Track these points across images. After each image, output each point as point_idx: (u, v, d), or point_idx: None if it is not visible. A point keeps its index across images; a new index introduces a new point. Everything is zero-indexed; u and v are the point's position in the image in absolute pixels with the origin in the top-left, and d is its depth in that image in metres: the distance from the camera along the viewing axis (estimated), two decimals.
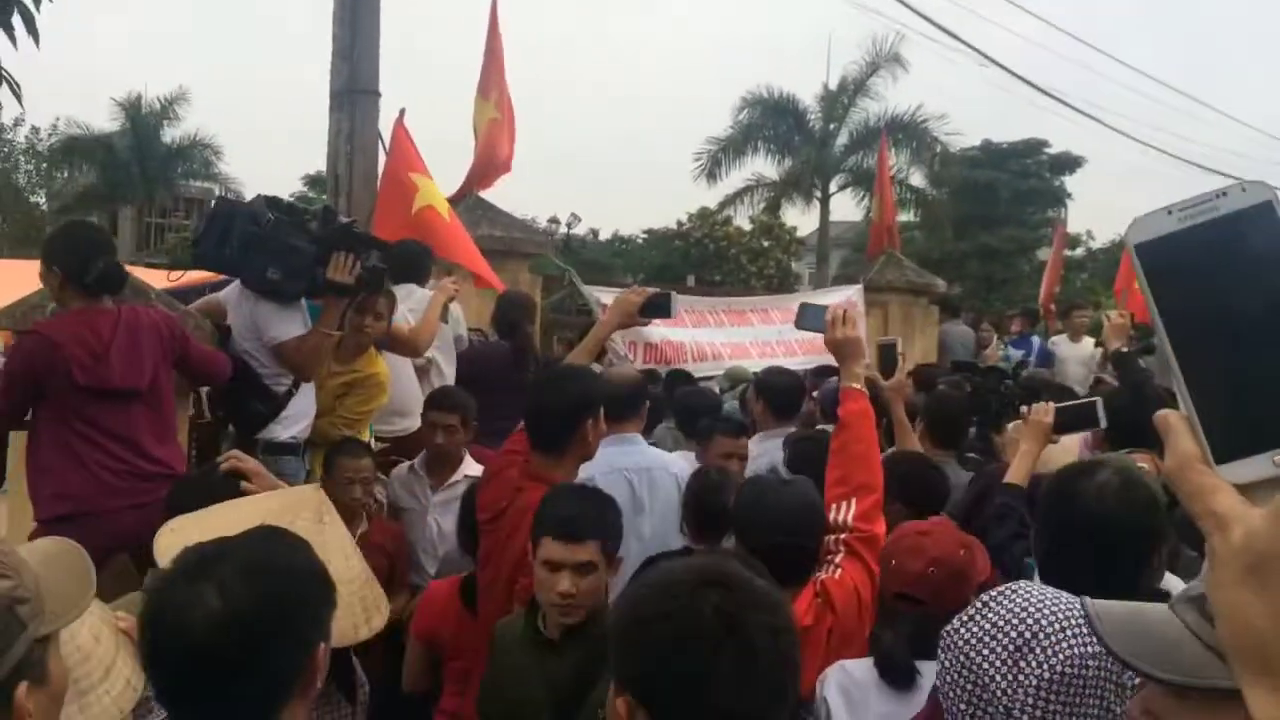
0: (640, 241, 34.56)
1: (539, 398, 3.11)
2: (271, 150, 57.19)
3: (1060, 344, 9.78)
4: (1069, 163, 32.62)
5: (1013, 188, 31.37)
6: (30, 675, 1.28)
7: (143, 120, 27.98)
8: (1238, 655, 0.63)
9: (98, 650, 1.79)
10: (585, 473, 3.79)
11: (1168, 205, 0.69)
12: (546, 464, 3.04)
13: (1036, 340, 10.80)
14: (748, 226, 28.59)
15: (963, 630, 1.63)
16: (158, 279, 4.79)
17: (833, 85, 27.64)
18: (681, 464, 4.07)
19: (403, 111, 6.20)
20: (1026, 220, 31.94)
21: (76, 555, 1.48)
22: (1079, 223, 33.11)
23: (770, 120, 28.08)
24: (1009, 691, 1.54)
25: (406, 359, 5.04)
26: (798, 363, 8.24)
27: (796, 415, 4.76)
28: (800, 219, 29.43)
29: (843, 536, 2.59)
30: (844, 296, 9.57)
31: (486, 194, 7.43)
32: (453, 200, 6.71)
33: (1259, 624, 0.60)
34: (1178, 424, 0.67)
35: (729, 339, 8.35)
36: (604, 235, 36.10)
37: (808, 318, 3.09)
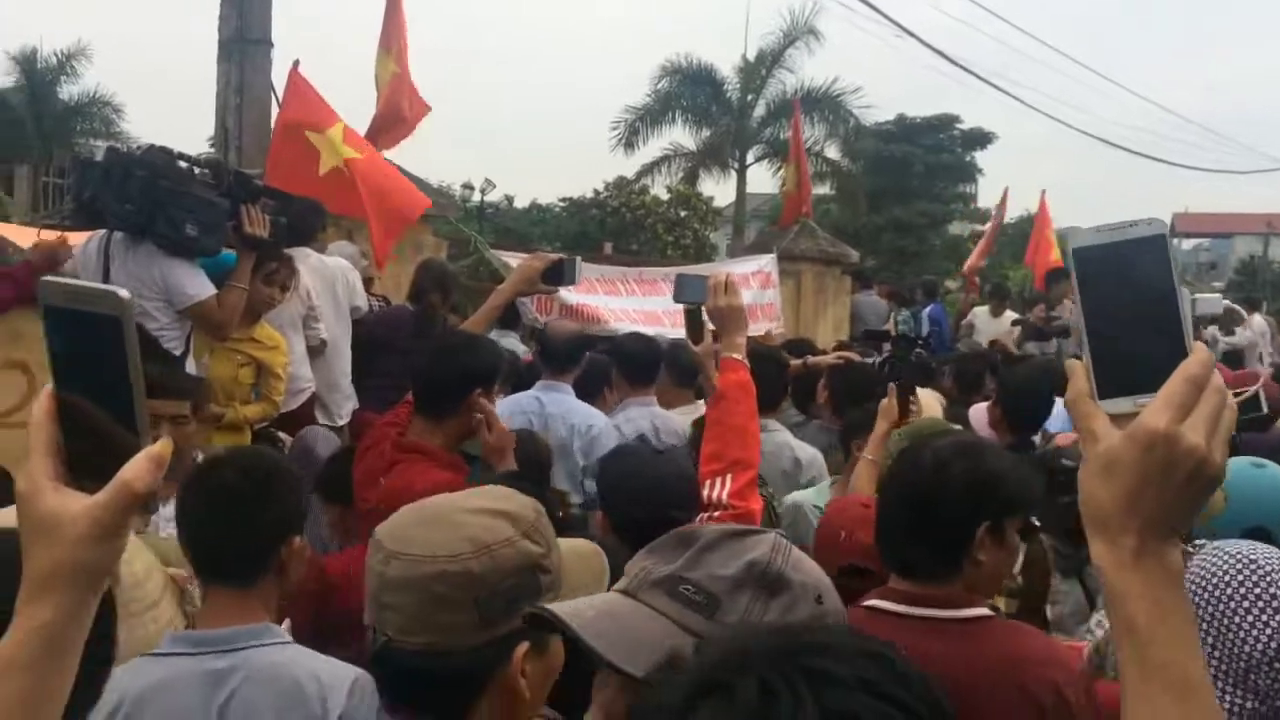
0: (558, 210, 34.25)
1: (430, 363, 3.02)
2: (175, 108, 55.15)
3: (979, 315, 9.91)
4: (980, 138, 33.17)
5: (925, 162, 31.79)
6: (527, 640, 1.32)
7: (38, 75, 26.71)
8: (1089, 521, 0.95)
9: (148, 584, 1.98)
10: (503, 409, 3.97)
11: (1097, 225, 0.98)
12: (425, 429, 2.96)
13: (931, 308, 10.94)
14: (665, 196, 28.49)
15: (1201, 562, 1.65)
16: (25, 237, 4.45)
17: (751, 56, 27.66)
18: (598, 420, 4.29)
19: (297, 63, 5.92)
20: (939, 194, 32.43)
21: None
22: (988, 198, 33.74)
23: (688, 90, 28.01)
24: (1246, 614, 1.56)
25: (299, 333, 4.85)
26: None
27: (653, 383, 4.70)
28: (717, 189, 29.51)
29: (716, 514, 2.43)
30: (758, 266, 9.53)
31: (391, 154, 7.14)
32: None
33: (1102, 502, 0.93)
34: (1079, 369, 0.97)
35: (640, 307, 8.22)
36: (520, 203, 35.70)
37: (687, 290, 2.88)
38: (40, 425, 0.93)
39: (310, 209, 5.35)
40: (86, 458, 0.93)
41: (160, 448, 0.93)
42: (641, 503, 2.42)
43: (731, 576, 1.12)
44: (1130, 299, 0.96)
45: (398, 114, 6.94)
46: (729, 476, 2.45)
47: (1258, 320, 11.93)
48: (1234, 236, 50.63)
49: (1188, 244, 54.91)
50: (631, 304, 8.13)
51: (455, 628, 1.27)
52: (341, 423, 5.17)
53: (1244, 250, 46.00)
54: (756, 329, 8.71)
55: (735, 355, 2.63)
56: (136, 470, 0.91)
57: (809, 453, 4.08)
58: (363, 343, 5.22)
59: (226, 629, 1.88)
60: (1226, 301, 10.77)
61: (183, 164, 4.23)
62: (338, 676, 1.84)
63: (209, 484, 2.04)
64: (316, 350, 5.01)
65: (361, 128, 6.34)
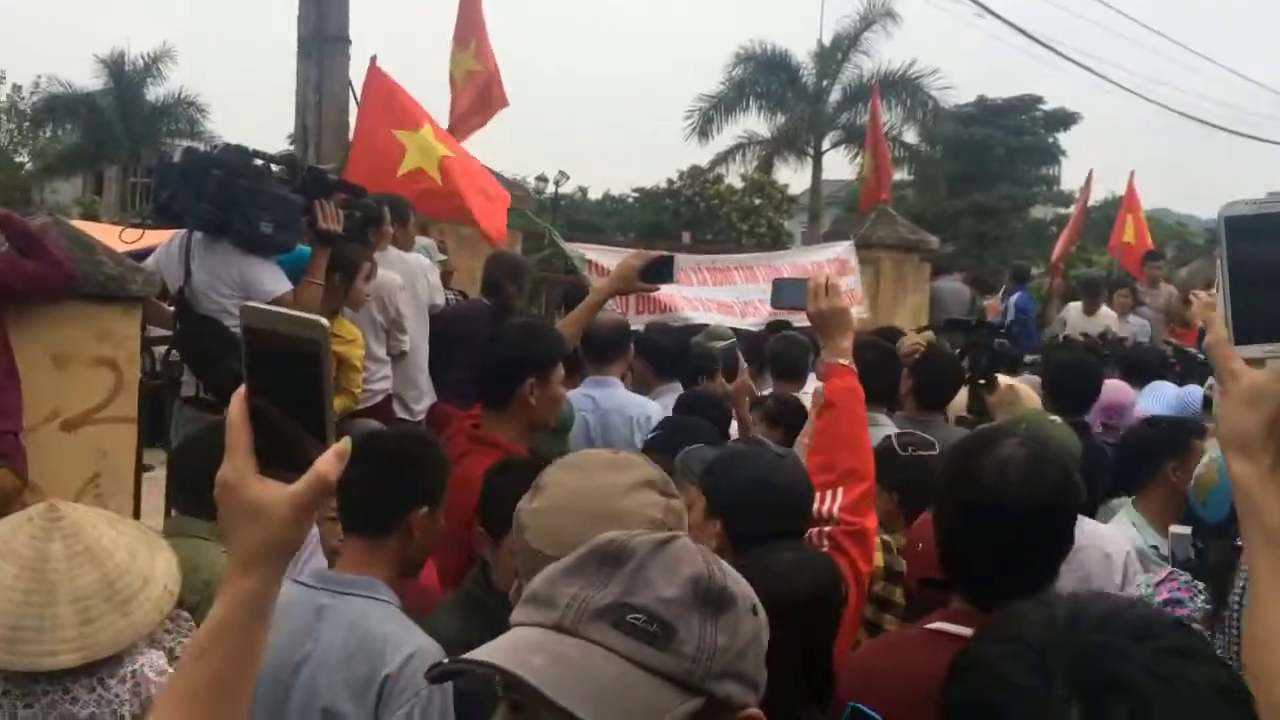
0: (631, 201, 34.24)
1: (484, 353, 3.10)
2: (256, 106, 56.43)
3: (1072, 311, 9.63)
4: (1063, 119, 32.28)
5: (1006, 145, 31.04)
6: None
7: (126, 78, 27.61)
8: (1231, 444, 1.16)
9: (135, 564, 2.18)
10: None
11: (1247, 199, 1.17)
12: (493, 421, 3.01)
13: (1017, 296, 10.65)
14: (739, 185, 28.29)
15: None
16: (110, 236, 4.56)
17: (826, 41, 27.29)
18: (651, 408, 4.25)
19: (374, 58, 5.96)
20: (1020, 178, 31.68)
21: None
22: (1071, 180, 32.83)
23: (763, 77, 27.75)
24: None
25: (378, 341, 4.93)
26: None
27: (678, 375, 4.69)
28: (793, 177, 29.22)
29: (828, 529, 2.27)
30: (835, 253, 9.38)
31: (466, 145, 7.17)
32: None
33: (1246, 427, 1.14)
34: (1217, 319, 1.18)
35: (714, 296, 8.14)
36: (594, 194, 35.78)
37: (785, 294, 2.76)
38: (237, 425, 1.09)
39: (386, 203, 5.43)
40: (271, 453, 1.09)
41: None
42: (768, 515, 2.18)
43: (679, 599, 0.96)
44: (1269, 261, 1.16)
45: (477, 108, 6.96)
46: (840, 490, 2.31)
47: None
48: None
49: None
50: (705, 293, 8.05)
51: None
52: (419, 417, 5.21)
53: None
54: None
55: (842, 360, 2.49)
56: (328, 463, 1.07)
57: None
58: (439, 337, 5.24)
59: (345, 574, 2.12)
60: None
61: (258, 161, 4.27)
62: (404, 642, 1.99)
63: (364, 445, 2.22)
64: (397, 359, 5.07)
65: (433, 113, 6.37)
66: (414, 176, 5.86)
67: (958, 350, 4.63)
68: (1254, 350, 1.16)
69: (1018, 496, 1.77)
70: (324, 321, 1.08)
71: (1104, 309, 9.51)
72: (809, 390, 4.11)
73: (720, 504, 2.20)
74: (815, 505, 2.26)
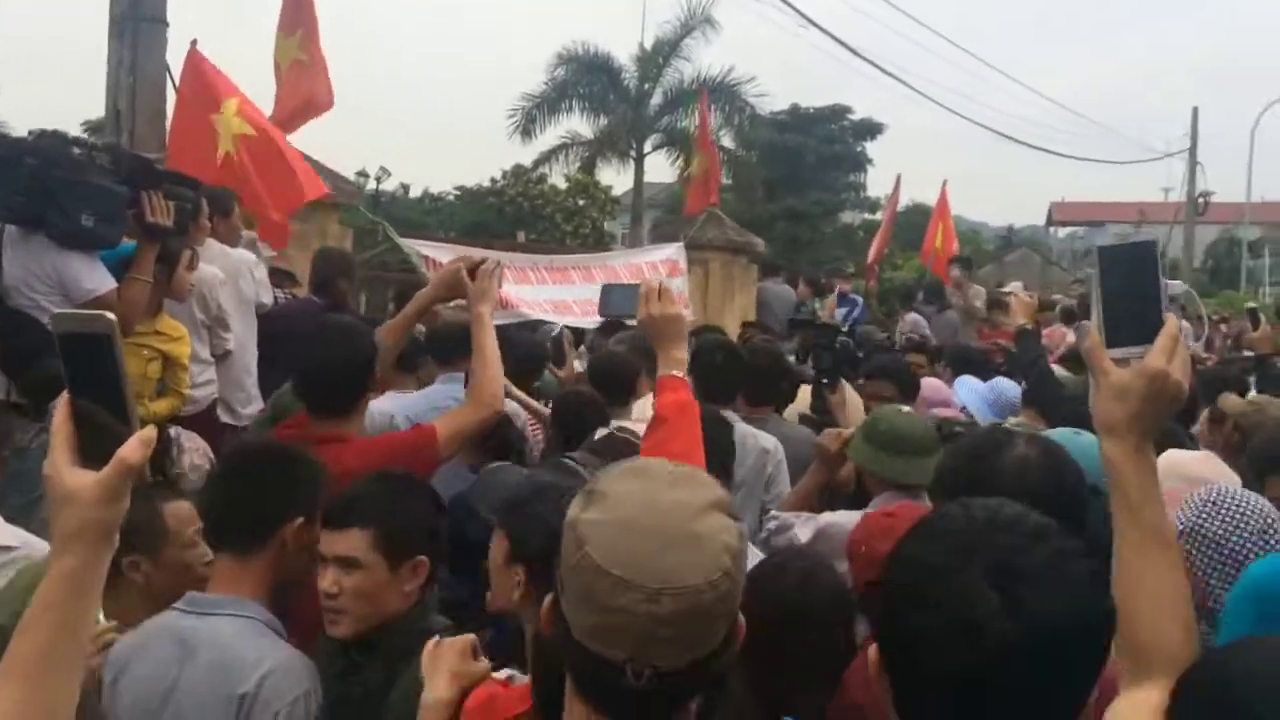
0: (453, 199, 33.69)
1: (325, 354, 2.83)
2: (48, 90, 52.48)
3: (928, 311, 10.05)
4: (870, 128, 33.89)
5: (818, 152, 32.33)
6: None
7: None
8: (1104, 429, 1.43)
9: None
10: (394, 406, 3.88)
11: (1116, 235, 1.82)
12: (334, 425, 2.81)
13: (859, 299, 11.09)
14: (563, 185, 28.28)
15: (1209, 524, 2.07)
16: None
17: (648, 45, 27.61)
18: (511, 407, 4.01)
19: (195, 42, 5.63)
20: (831, 184, 33.04)
21: None
22: (877, 187, 34.51)
23: (585, 78, 27.79)
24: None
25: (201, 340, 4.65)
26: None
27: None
28: (615, 179, 29.39)
29: None
30: (666, 254, 9.49)
31: (292, 138, 6.86)
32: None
33: (1116, 416, 1.41)
34: (1092, 328, 1.45)
35: (551, 296, 8.09)
36: (414, 192, 35.02)
37: (614, 301, 2.62)
38: (60, 426, 1.25)
39: (227, 194, 5.14)
40: (95, 447, 1.22)
41: (147, 432, 1.24)
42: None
43: None
44: (1131, 281, 1.45)
45: (302, 102, 6.67)
46: None
47: None
48: (1106, 224, 52.79)
49: (1063, 232, 57.10)
50: (544, 292, 7.99)
51: (718, 634, 1.20)
52: (246, 423, 4.95)
53: (1115, 239, 47.91)
54: None
55: (675, 372, 2.26)
56: (130, 448, 1.22)
57: (771, 440, 3.89)
58: (266, 339, 5.00)
59: (214, 595, 2.08)
60: (1186, 286, 11.41)
61: (77, 150, 3.97)
62: (262, 659, 1.95)
63: (228, 458, 2.30)
64: (221, 359, 4.80)
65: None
66: (229, 162, 5.56)
67: (803, 351, 4.76)
68: (1120, 352, 1.43)
69: (1042, 488, 1.88)
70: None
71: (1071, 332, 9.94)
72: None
73: (524, 550, 1.93)
74: None
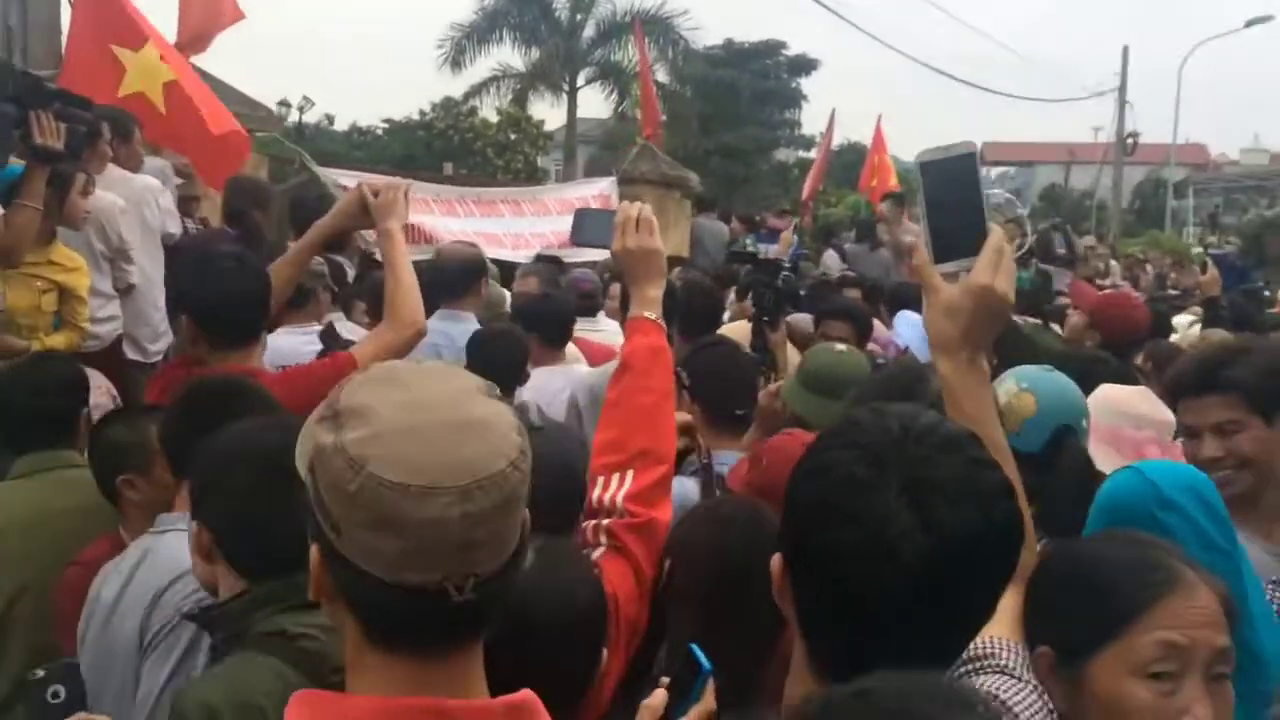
0: (380, 132, 32.84)
1: (230, 287, 2.66)
2: None
3: (859, 250, 9.98)
4: (805, 65, 33.61)
5: (753, 88, 32.00)
6: None
7: None
8: (937, 346, 1.44)
9: None
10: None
11: (932, 146, 1.47)
12: (238, 359, 2.64)
13: (793, 237, 10.99)
14: (494, 119, 27.70)
15: None
16: None
17: None
18: None
19: None
20: (766, 120, 32.77)
21: None
22: (812, 125, 34.34)
23: (516, 7, 27.20)
24: None
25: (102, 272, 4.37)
26: (552, 256, 7.92)
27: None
28: (548, 113, 28.90)
29: (606, 522, 1.85)
30: (599, 189, 9.30)
31: (200, 61, 6.49)
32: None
33: (947, 332, 1.42)
34: (919, 245, 1.45)
35: (480, 229, 7.86)
36: (340, 124, 34.05)
37: (588, 228, 2.32)
38: None
39: (127, 116, 4.84)
40: None
41: None
42: None
43: None
44: (953, 195, 1.43)
45: (209, 15, 6.30)
46: (630, 473, 1.87)
47: None
48: (1036, 165, 53.46)
49: (995, 171, 57.72)
50: (470, 225, 7.77)
51: (519, 526, 1.10)
52: (155, 359, 4.70)
53: (1046, 179, 48.64)
54: (600, 253, 8.50)
55: (648, 313, 2.03)
56: None
57: None
58: (196, 266, 4.73)
59: (174, 514, 2.14)
60: (1007, 194, 11.59)
61: None
62: (183, 563, 1.94)
63: (184, 391, 2.26)
64: (125, 292, 4.53)
65: (160, 26, 5.70)
66: (135, 100, 5.25)
67: (744, 287, 4.63)
68: (950, 267, 1.42)
69: None
70: None
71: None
72: None
73: None
74: (595, 492, 1.88)
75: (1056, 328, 5.31)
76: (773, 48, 33.16)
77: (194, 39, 6.24)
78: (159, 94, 5.33)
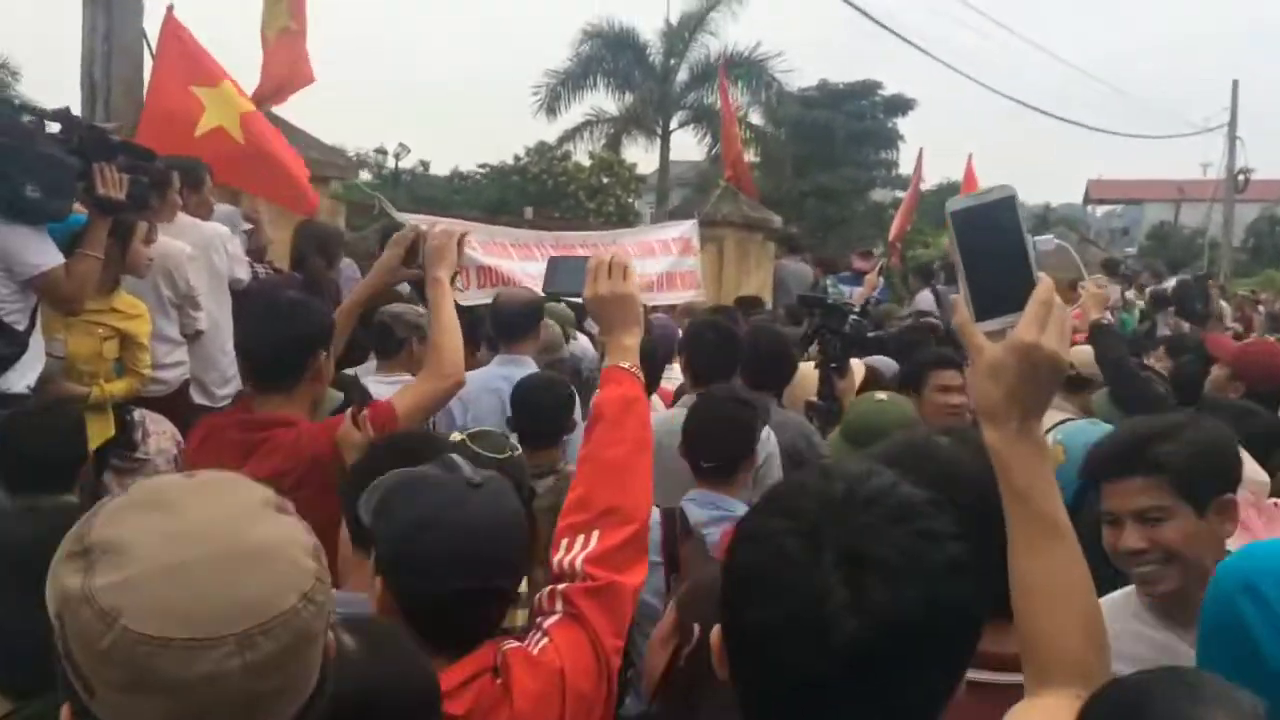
0: (479, 178, 33.50)
1: (266, 330, 2.64)
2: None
3: (950, 293, 9.70)
4: (901, 104, 33.17)
5: (848, 129, 31.66)
6: None
7: None
8: (983, 412, 1.29)
9: None
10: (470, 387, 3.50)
11: (967, 194, 1.37)
12: (278, 404, 2.61)
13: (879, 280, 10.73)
14: (587, 162, 27.99)
15: None
16: None
17: (674, 20, 27.23)
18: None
19: (170, 8, 5.42)
20: (862, 161, 32.38)
21: None
22: (910, 164, 33.83)
23: (610, 54, 27.52)
24: None
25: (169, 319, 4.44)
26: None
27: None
28: (641, 156, 29.07)
29: (562, 587, 1.70)
30: (680, 232, 9.21)
31: (281, 111, 6.63)
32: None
33: (992, 397, 1.26)
34: (960, 302, 1.30)
35: None
36: (437, 169, 34.86)
37: (560, 278, 2.22)
38: None
39: (195, 165, 4.94)
40: None
41: None
42: (438, 572, 1.56)
43: None
44: (992, 245, 1.29)
45: (287, 73, 6.44)
46: (595, 533, 1.73)
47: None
48: (1144, 204, 51.73)
49: (1101, 210, 55.97)
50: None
51: (316, 663, 0.96)
52: (223, 404, 4.74)
53: (1155, 217, 46.98)
54: (678, 297, 8.41)
55: (624, 363, 1.94)
56: None
57: (763, 429, 3.45)
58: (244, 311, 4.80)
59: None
60: (1059, 241, 11.05)
61: (28, 118, 3.78)
62: None
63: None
64: (193, 338, 4.59)
65: (245, 85, 5.86)
66: (214, 136, 5.41)
67: (810, 333, 4.45)
68: (993, 324, 1.28)
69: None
70: None
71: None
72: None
73: (382, 556, 1.60)
74: (558, 556, 1.74)
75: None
76: (868, 88, 32.82)
77: (275, 92, 6.38)
78: (237, 125, 5.46)
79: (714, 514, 2.97)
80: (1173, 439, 1.91)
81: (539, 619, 1.71)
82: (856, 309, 4.85)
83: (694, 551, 2.85)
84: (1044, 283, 1.25)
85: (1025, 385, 1.24)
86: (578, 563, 1.71)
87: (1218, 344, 5.16)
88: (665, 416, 3.64)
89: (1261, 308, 14.63)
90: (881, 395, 3.22)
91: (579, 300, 2.17)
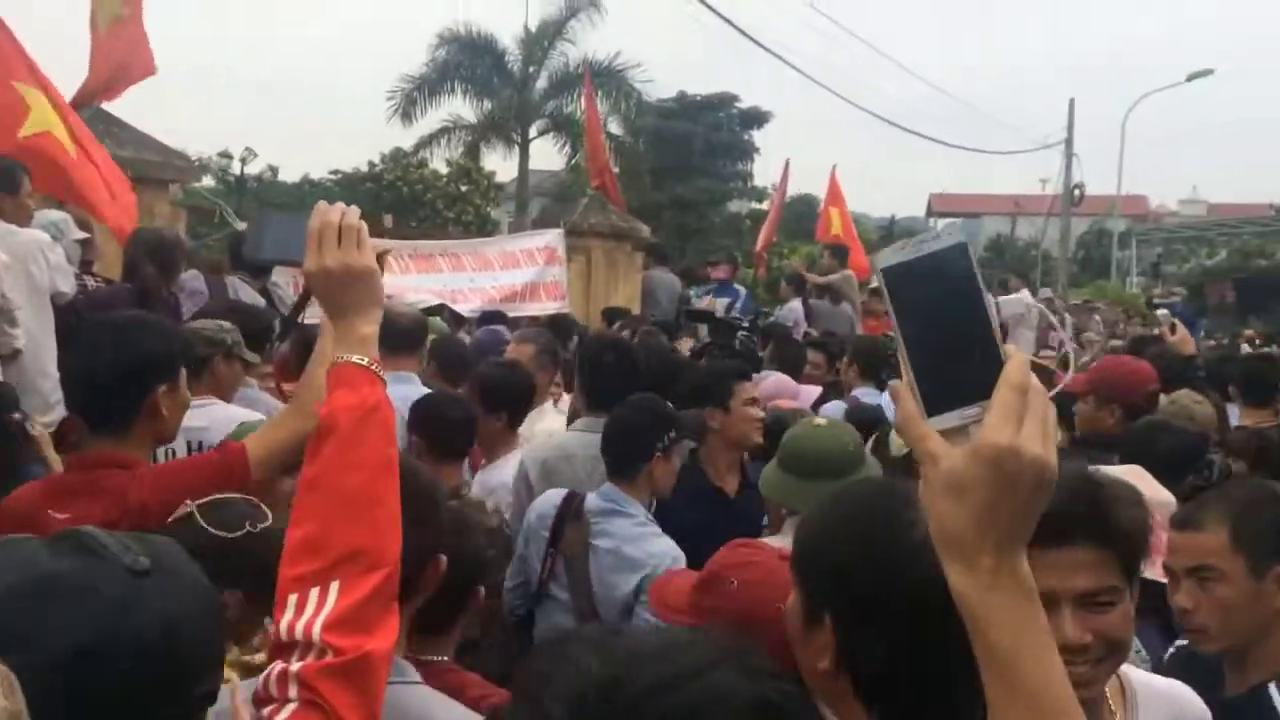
0: (329, 184, 32.47)
1: (87, 363, 2.24)
2: None
3: (822, 306, 9.74)
4: (757, 117, 33.80)
5: (705, 140, 32.09)
6: None
7: None
8: (940, 544, 0.93)
9: None
10: None
11: (899, 243, 1.00)
12: (111, 445, 2.21)
13: (741, 289, 10.73)
14: (445, 170, 27.43)
15: None
16: None
17: (532, 26, 26.99)
18: None
19: None
20: (718, 172, 32.85)
21: None
22: (764, 176, 34.46)
23: (468, 59, 27.07)
24: None
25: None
26: (496, 312, 7.60)
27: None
28: (500, 165, 28.69)
29: (295, 667, 1.29)
30: (545, 241, 9.02)
31: (115, 108, 6.12)
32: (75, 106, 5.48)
33: (955, 524, 0.91)
34: (904, 390, 0.95)
35: (420, 285, 7.51)
36: (286, 175, 33.63)
37: (269, 241, 1.77)
38: None
39: (6, 169, 4.45)
40: None
41: None
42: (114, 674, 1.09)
43: None
44: (942, 312, 0.95)
45: (122, 64, 5.92)
46: (334, 586, 1.33)
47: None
48: (983, 216, 54.19)
49: (942, 223, 58.40)
50: (410, 281, 7.48)
51: None
52: (45, 431, 4.25)
53: (992, 230, 49.21)
54: (541, 309, 8.19)
55: (356, 358, 1.50)
56: None
57: None
58: (70, 333, 4.31)
59: None
60: (1031, 302, 11.05)
61: None
62: None
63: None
64: (9, 359, 4.10)
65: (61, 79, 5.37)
66: (42, 140, 4.88)
67: (699, 350, 4.31)
68: (950, 419, 0.94)
69: None
70: None
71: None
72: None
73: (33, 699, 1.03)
74: (285, 619, 1.33)
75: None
76: (725, 100, 33.33)
77: (106, 86, 5.87)
78: (66, 133, 4.99)
79: (607, 506, 3.11)
80: (1106, 501, 1.57)
81: (265, 712, 1.28)
82: (745, 324, 4.73)
83: (576, 535, 3.05)
84: (1015, 360, 0.92)
85: (1001, 505, 0.90)
86: (314, 630, 1.29)
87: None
88: (566, 438, 3.72)
89: (1098, 316, 15.33)
90: (820, 420, 3.10)
91: (297, 268, 1.68)
